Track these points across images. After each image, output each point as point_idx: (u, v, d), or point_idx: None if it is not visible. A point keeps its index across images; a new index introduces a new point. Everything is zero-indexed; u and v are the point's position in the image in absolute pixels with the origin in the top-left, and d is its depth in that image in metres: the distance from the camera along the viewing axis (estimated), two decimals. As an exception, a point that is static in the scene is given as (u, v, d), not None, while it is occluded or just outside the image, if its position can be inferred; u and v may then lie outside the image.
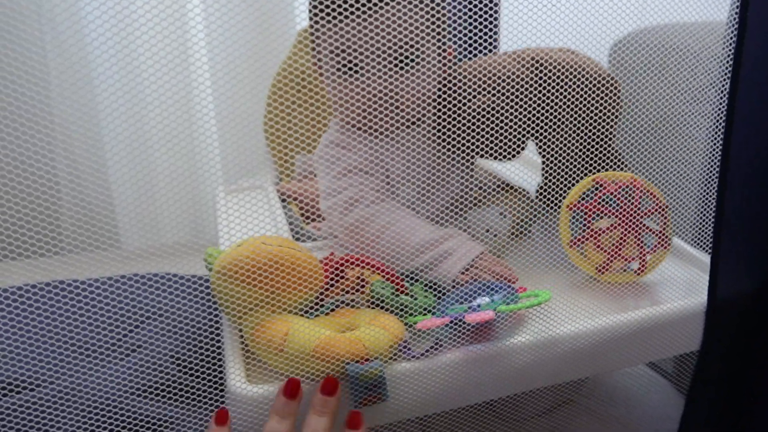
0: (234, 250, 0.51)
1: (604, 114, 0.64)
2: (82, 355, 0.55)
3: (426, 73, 0.62)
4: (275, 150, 0.88)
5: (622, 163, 0.66)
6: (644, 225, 0.61)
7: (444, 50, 0.64)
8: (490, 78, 0.63)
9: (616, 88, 0.65)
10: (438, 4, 0.61)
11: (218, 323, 0.59)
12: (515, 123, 0.62)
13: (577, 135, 0.64)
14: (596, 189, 0.61)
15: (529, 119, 0.63)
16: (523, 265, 0.62)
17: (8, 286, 0.69)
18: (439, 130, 0.65)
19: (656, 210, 0.61)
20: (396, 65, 0.60)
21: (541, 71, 0.63)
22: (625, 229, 0.60)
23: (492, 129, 0.61)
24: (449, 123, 0.63)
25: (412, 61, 0.61)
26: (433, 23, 0.61)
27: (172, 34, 1.01)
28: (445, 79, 0.65)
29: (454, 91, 0.63)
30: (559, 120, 0.64)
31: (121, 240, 1.07)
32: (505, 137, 0.62)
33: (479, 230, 0.65)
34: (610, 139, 0.65)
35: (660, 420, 0.69)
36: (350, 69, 0.61)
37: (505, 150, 0.64)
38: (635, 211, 0.60)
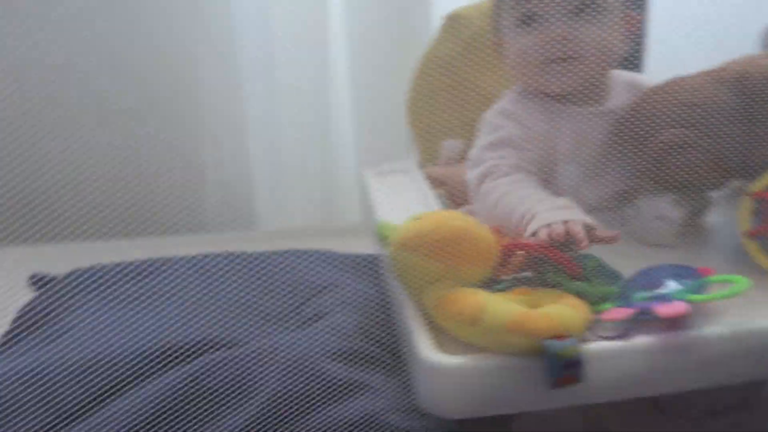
0: (415, 223, 0.52)
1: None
2: (266, 322, 0.58)
3: (608, 24, 0.59)
4: (420, 135, 0.88)
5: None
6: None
7: (628, 14, 0.62)
8: (681, 107, 0.59)
9: None
10: None
11: (388, 297, 0.60)
12: (714, 159, 0.58)
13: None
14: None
15: (734, 154, 0.58)
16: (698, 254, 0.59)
17: (182, 256, 0.73)
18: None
19: None
20: (576, 10, 0.59)
21: (748, 92, 0.58)
22: None
23: (683, 165, 0.57)
24: (632, 152, 0.61)
25: (594, 7, 0.59)
26: None
27: (313, 19, 1.04)
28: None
29: (638, 119, 0.61)
30: None
31: (257, 221, 1.11)
32: (701, 174, 0.58)
33: (650, 217, 0.63)
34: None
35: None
36: (529, 18, 0.60)
37: (699, 185, 0.60)
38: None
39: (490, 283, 0.53)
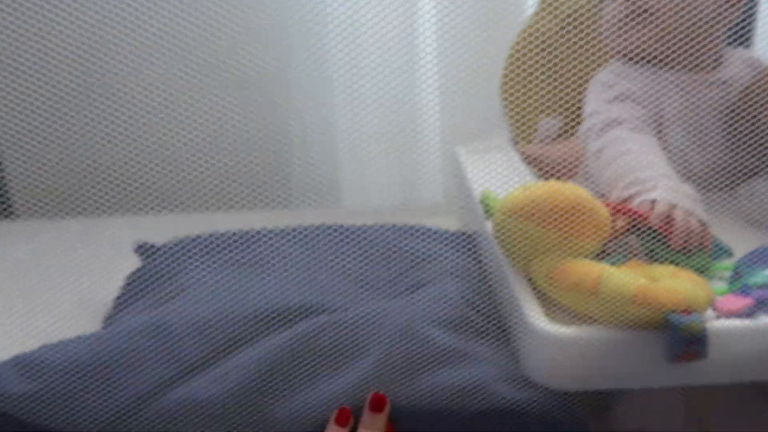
0: (526, 191, 0.51)
1: None
2: (366, 291, 0.58)
3: None
4: (514, 112, 0.87)
5: None
6: None
7: None
8: None
9: None
10: None
11: (487, 272, 0.60)
12: None
13: None
14: None
15: None
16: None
17: (281, 227, 0.75)
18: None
19: None
20: None
21: None
22: None
23: None
24: (749, 130, 0.58)
25: None
26: None
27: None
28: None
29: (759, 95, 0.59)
30: None
31: (342, 199, 1.13)
32: None
33: (766, 199, 0.60)
34: None
35: None
36: None
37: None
38: None
39: (601, 257, 0.52)
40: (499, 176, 0.72)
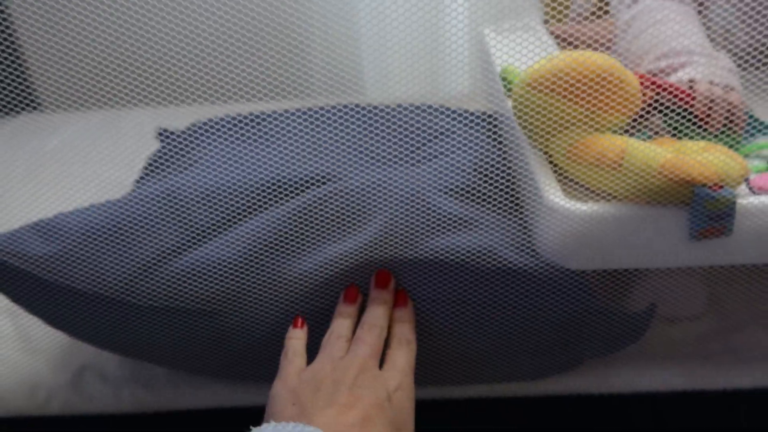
0: (549, 62, 0.47)
1: None
2: (381, 162, 0.57)
3: None
4: (546, -11, 0.81)
5: None
6: None
7: None
8: None
9: None
10: None
11: (505, 150, 0.58)
12: None
13: None
14: None
15: None
16: None
17: (297, 107, 0.73)
18: None
19: None
20: None
21: None
22: None
23: None
24: None
25: None
26: None
27: None
28: None
29: None
30: None
31: (366, 90, 1.09)
32: None
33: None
34: None
35: None
36: None
37: None
38: None
39: (629, 132, 0.49)
40: (527, 56, 0.67)
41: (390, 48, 1.09)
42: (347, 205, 0.49)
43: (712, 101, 0.48)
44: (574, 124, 0.46)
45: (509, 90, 0.53)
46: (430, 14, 1.07)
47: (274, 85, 1.04)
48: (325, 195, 0.50)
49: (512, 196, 0.51)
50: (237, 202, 0.51)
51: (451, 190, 0.50)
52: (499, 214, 0.50)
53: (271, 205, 0.51)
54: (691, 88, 0.49)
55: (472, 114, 0.67)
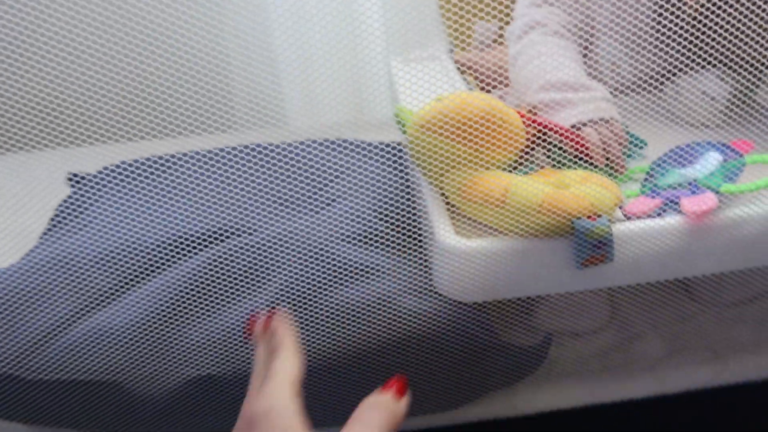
0: (438, 104, 0.49)
1: None
2: (284, 207, 0.58)
3: None
4: (451, 19, 0.83)
5: None
6: None
7: None
8: None
9: None
10: None
11: (407, 184, 0.59)
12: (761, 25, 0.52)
13: None
14: None
15: None
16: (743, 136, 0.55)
17: (205, 149, 0.74)
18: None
19: None
20: None
21: None
22: None
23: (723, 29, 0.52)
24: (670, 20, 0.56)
25: None
26: None
27: None
28: None
29: None
30: None
31: (287, 119, 1.10)
32: (746, 43, 0.52)
33: (693, 95, 0.59)
34: None
35: None
36: None
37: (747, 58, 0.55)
38: None
39: (514, 167, 0.51)
40: (429, 87, 0.69)
41: (312, 77, 1.11)
42: (249, 261, 0.50)
43: (594, 143, 0.51)
44: (462, 163, 0.48)
45: (404, 131, 0.55)
46: (348, 45, 1.09)
47: (194, 118, 1.03)
48: (226, 252, 0.50)
49: (414, 236, 0.52)
50: (136, 263, 0.51)
51: (351, 236, 0.51)
52: (401, 256, 0.51)
53: (172, 264, 0.51)
54: (576, 129, 0.52)
55: (378, 146, 0.68)
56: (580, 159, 0.52)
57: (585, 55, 0.63)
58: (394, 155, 0.65)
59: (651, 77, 0.62)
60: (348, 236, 0.51)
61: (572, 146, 0.51)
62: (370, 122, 1.07)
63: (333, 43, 1.04)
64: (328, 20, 1.03)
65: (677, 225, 0.46)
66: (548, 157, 0.52)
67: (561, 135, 0.51)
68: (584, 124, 0.52)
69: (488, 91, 0.76)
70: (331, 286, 0.47)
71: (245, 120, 1.07)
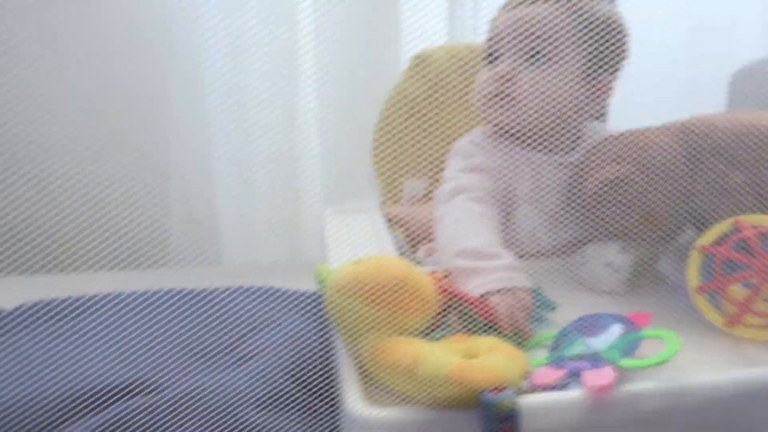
0: (355, 267, 0.51)
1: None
2: (198, 360, 0.57)
3: (558, 77, 0.61)
4: (383, 174, 0.89)
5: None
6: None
7: (595, 78, 0.63)
8: (623, 148, 0.60)
9: None
10: (589, 19, 0.61)
11: (328, 338, 0.59)
12: (656, 205, 0.59)
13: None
14: (734, 232, 0.56)
15: (675, 202, 0.59)
16: (645, 305, 0.58)
17: (124, 292, 0.72)
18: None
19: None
20: (528, 56, 0.62)
21: (690, 142, 0.59)
22: (756, 282, 0.54)
23: (622, 204, 0.58)
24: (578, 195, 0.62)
25: (545, 58, 0.62)
26: (579, 32, 0.61)
27: (281, 57, 1.05)
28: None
29: (587, 163, 0.62)
30: (734, 195, 0.59)
31: (223, 257, 1.10)
32: (645, 219, 0.59)
33: (598, 264, 0.63)
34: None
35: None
36: (492, 57, 0.66)
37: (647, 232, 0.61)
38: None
39: (429, 331, 0.52)
40: (357, 240, 0.72)
41: (250, 218, 1.13)
42: (151, 423, 0.48)
43: (501, 312, 0.53)
44: (377, 327, 0.49)
45: (322, 290, 0.56)
46: (288, 189, 1.13)
47: (131, 252, 1.02)
48: (130, 411, 0.48)
49: (327, 400, 0.52)
50: (39, 416, 0.48)
51: (265, 398, 0.50)
52: (315, 420, 0.50)
53: (77, 419, 0.48)
54: (483, 298, 0.54)
55: (302, 296, 0.69)
56: (489, 327, 0.53)
57: (507, 221, 0.67)
58: (320, 307, 0.66)
59: (564, 246, 0.66)
60: (258, 399, 0.50)
61: (480, 314, 0.53)
62: (306, 265, 1.09)
63: (273, 184, 1.08)
64: (270, 161, 1.08)
65: (580, 399, 0.47)
66: (461, 322, 0.54)
67: (470, 304, 0.53)
68: (490, 293, 0.54)
69: (416, 244, 0.80)
70: None
71: (181, 257, 1.07)
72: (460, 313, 0.54)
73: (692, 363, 0.50)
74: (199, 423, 0.47)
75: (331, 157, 1.08)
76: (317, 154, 1.08)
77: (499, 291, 0.55)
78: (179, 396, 0.49)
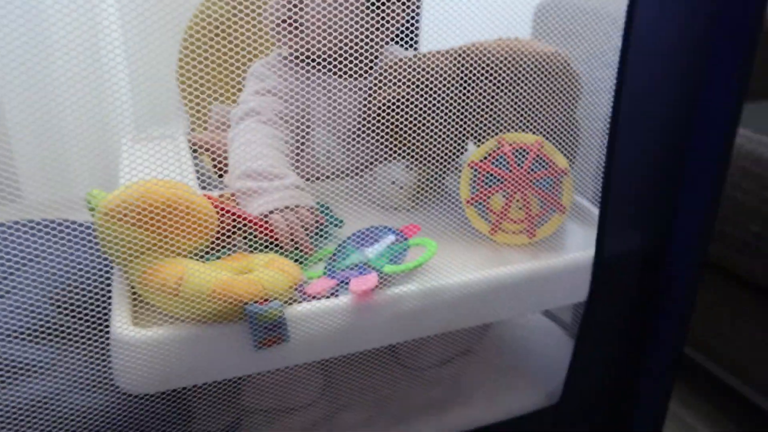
0: (122, 191, 0.50)
1: (558, 97, 0.63)
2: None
3: (343, 4, 0.61)
4: (188, 99, 0.85)
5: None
6: (534, 189, 0.61)
7: (379, 7, 0.64)
8: (405, 71, 0.63)
9: (563, 68, 0.63)
10: None
11: (106, 267, 0.58)
12: (436, 125, 0.62)
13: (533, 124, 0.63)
14: (497, 149, 0.62)
15: (455, 122, 0.63)
16: (428, 219, 0.63)
17: None
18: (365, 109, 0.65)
19: (550, 175, 0.61)
20: None
21: (464, 66, 0.62)
22: (510, 192, 0.61)
23: (403, 124, 0.61)
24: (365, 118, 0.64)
25: None
26: None
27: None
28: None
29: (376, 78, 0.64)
30: (502, 115, 0.63)
31: (23, 193, 1.01)
32: (426, 138, 0.62)
33: (385, 182, 0.66)
34: (572, 121, 0.65)
35: (556, 369, 0.73)
36: None
37: (436, 151, 0.64)
38: (524, 175, 0.60)
39: (209, 251, 0.53)
40: (155, 168, 0.69)
41: (50, 147, 1.04)
42: None
43: (281, 229, 0.55)
44: (146, 251, 0.48)
45: (93, 215, 0.54)
46: (96, 122, 1.04)
47: None
48: None
49: (96, 329, 0.51)
50: None
51: (23, 331, 0.48)
52: (84, 349, 0.49)
53: None
54: (266, 219, 0.56)
55: (79, 227, 0.66)
56: (271, 244, 0.55)
57: (303, 143, 0.68)
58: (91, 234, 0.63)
59: (359, 167, 0.69)
60: (15, 331, 0.48)
61: (260, 233, 0.54)
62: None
63: (77, 115, 0.99)
64: (72, 90, 0.99)
65: (346, 304, 0.51)
66: (245, 242, 0.55)
67: (249, 222, 0.54)
68: (272, 212, 0.56)
69: (226, 171, 0.79)
70: (2, 385, 0.44)
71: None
72: (244, 234, 0.55)
73: (457, 267, 0.56)
74: None
75: (141, 81, 1.01)
76: (125, 77, 1.01)
77: (281, 210, 0.56)
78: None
